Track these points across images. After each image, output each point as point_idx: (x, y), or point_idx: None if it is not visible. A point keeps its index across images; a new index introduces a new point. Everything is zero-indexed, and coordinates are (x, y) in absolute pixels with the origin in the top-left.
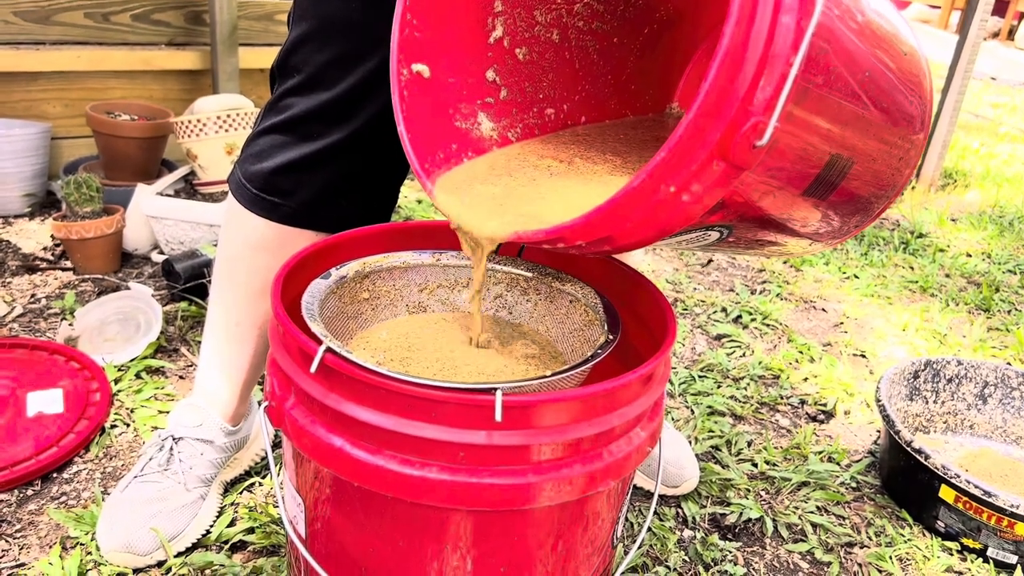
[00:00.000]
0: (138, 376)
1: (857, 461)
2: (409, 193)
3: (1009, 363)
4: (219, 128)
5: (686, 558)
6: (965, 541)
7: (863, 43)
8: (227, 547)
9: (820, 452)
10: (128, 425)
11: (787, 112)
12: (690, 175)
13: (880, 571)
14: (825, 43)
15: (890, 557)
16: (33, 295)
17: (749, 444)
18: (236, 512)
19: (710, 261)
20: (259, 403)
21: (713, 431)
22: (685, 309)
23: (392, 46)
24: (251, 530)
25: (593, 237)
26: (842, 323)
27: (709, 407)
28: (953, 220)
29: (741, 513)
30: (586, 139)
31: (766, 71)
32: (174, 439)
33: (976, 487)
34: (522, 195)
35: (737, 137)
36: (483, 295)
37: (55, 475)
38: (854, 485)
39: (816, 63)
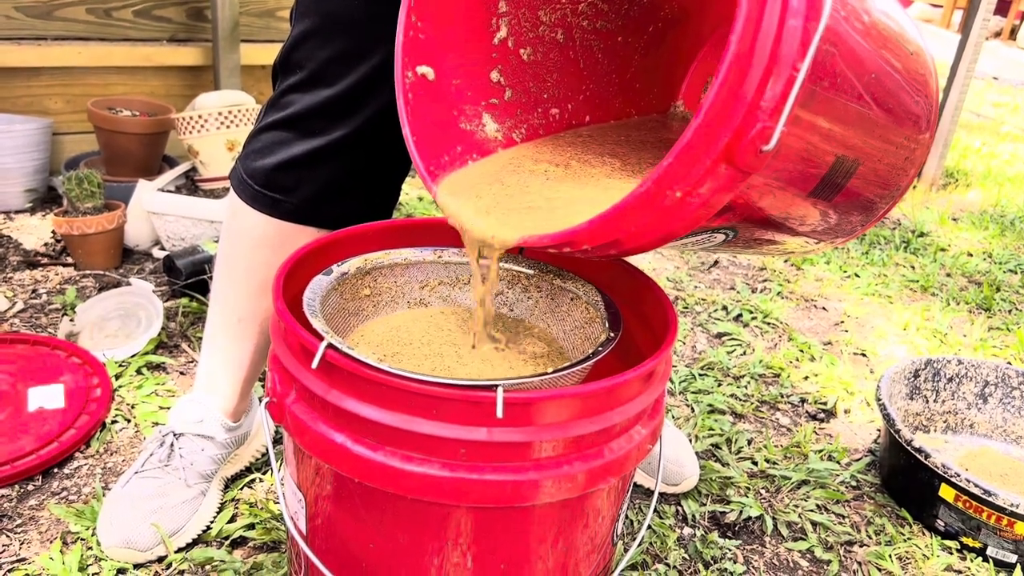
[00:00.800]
0: (139, 372)
1: (857, 460)
2: (410, 190)
3: (1009, 363)
4: (220, 124)
5: (686, 556)
6: (965, 540)
7: (870, 44)
8: (227, 543)
9: (820, 451)
10: (129, 421)
11: (794, 115)
12: (696, 180)
13: (880, 569)
14: (832, 46)
15: (890, 556)
16: (34, 290)
17: (749, 442)
18: (237, 508)
19: (716, 263)
20: (260, 399)
21: (713, 429)
22: (686, 307)
23: (397, 49)
24: (251, 526)
25: (599, 242)
26: (843, 322)
27: (709, 405)
28: (954, 219)
29: (741, 511)
30: (586, 141)
31: (773, 76)
32: (175, 435)
33: (976, 486)
34: (526, 200)
35: (744, 142)
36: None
37: (56, 470)
38: (854, 484)
39: (823, 66)
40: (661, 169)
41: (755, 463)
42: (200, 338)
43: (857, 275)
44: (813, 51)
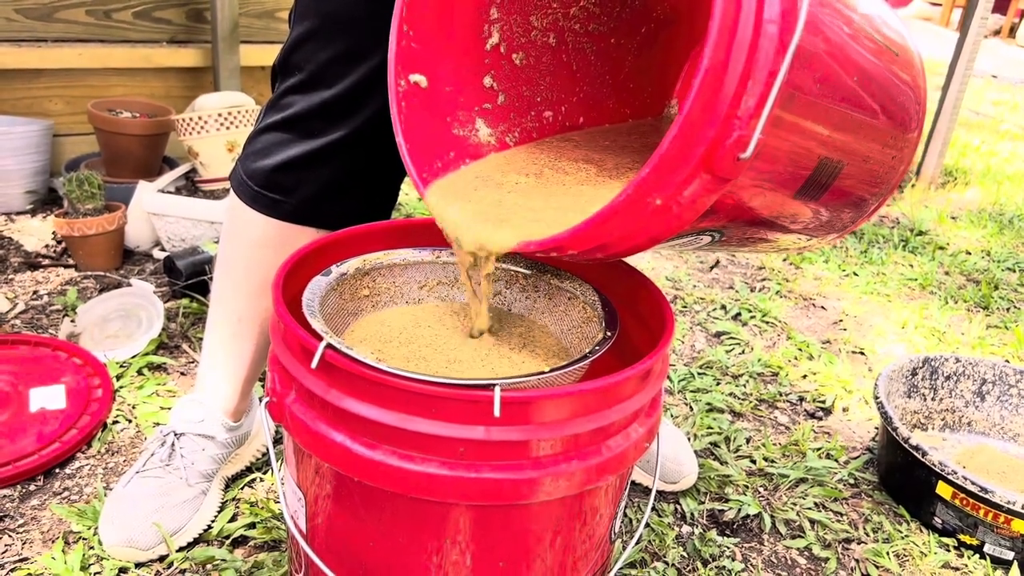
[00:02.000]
0: (140, 372)
1: (855, 458)
2: (410, 190)
3: (1007, 360)
4: (220, 125)
5: (684, 554)
6: (962, 537)
7: (852, 45)
8: (228, 542)
9: (818, 449)
10: (130, 421)
11: (774, 117)
12: (676, 188)
13: (877, 567)
14: (812, 48)
15: (887, 553)
16: (35, 292)
17: (748, 441)
18: (237, 507)
19: (716, 263)
20: (260, 399)
21: (712, 428)
22: (684, 306)
23: (389, 58)
24: (252, 525)
25: (584, 247)
26: (841, 320)
27: (708, 404)
28: (953, 218)
29: (739, 509)
30: (568, 147)
31: (750, 83)
32: (176, 435)
33: (973, 484)
34: (516, 205)
35: (721, 151)
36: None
37: (57, 470)
38: (852, 481)
39: (803, 71)
40: (639, 178)
41: (753, 461)
42: (200, 338)
43: (856, 274)
44: (790, 58)
